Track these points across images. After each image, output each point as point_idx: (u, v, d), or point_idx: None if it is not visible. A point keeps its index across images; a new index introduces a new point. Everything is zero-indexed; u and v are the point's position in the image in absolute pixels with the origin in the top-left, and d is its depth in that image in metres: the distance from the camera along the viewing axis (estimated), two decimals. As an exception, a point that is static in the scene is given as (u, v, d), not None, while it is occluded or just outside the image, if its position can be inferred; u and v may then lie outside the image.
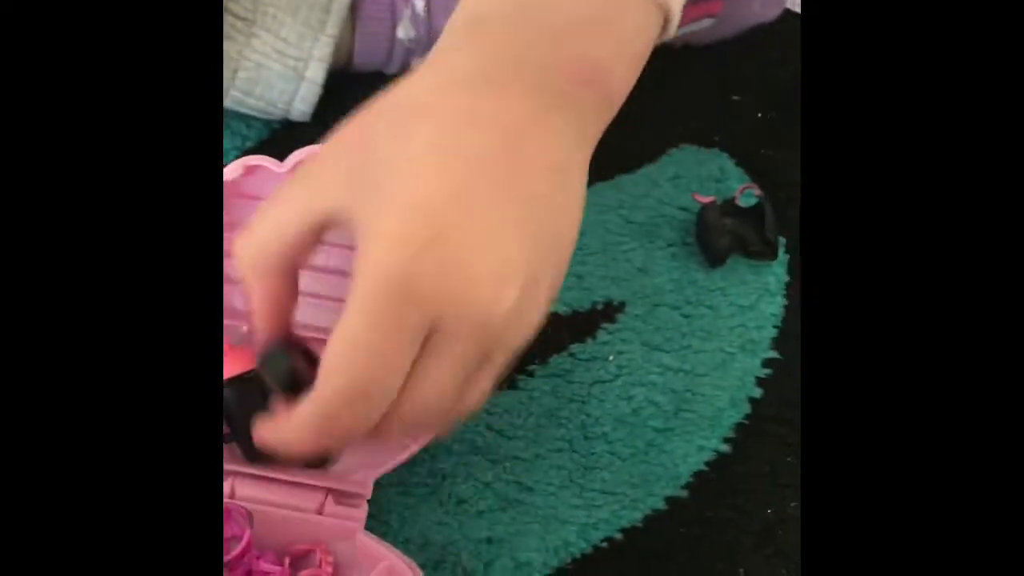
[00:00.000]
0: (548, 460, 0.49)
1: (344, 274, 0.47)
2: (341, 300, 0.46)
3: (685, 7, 0.40)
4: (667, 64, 0.66)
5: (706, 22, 0.64)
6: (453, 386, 0.34)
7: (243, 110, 0.57)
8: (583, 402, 0.51)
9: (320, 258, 0.47)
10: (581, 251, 0.55)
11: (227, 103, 0.57)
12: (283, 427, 0.35)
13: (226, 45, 0.54)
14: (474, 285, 0.32)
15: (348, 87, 0.60)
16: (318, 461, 0.45)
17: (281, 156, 0.44)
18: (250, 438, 0.44)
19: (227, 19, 0.54)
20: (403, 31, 0.59)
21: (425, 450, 0.47)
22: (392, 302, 0.32)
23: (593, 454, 0.50)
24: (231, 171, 0.42)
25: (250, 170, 0.43)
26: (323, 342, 0.47)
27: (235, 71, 0.55)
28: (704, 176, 0.59)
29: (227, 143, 0.57)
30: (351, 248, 0.46)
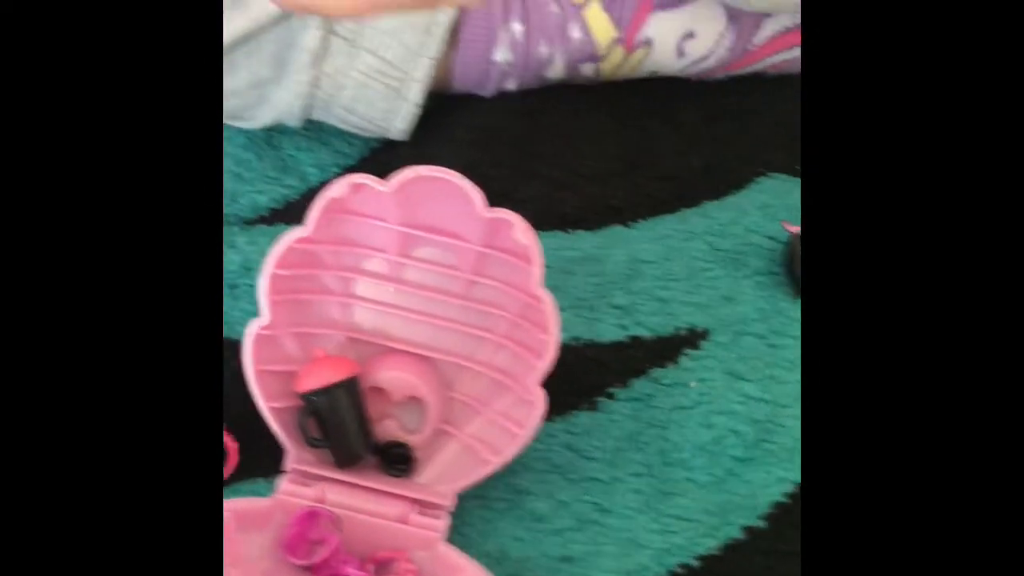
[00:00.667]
0: (626, 483, 0.50)
1: (437, 291, 0.48)
2: (435, 316, 0.48)
3: (771, 40, 0.41)
4: (758, 93, 0.66)
5: (795, 51, 0.64)
6: None
7: (345, 127, 0.59)
8: (663, 427, 0.51)
9: (412, 274, 0.48)
10: (666, 276, 0.56)
11: (331, 120, 0.59)
12: None
13: (331, 64, 0.56)
14: None
15: (445, 107, 0.62)
16: (400, 466, 0.47)
17: (379, 172, 0.46)
18: (341, 444, 0.46)
19: (332, 39, 0.56)
20: (500, 55, 0.60)
21: (506, 466, 0.48)
22: None
23: (672, 480, 0.50)
24: (337, 188, 0.44)
25: (355, 188, 0.44)
26: (416, 357, 0.48)
27: (339, 89, 0.57)
28: (793, 205, 0.59)
29: (328, 159, 0.60)
30: (443, 265, 0.48)
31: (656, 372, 0.53)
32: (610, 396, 0.52)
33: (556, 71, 0.62)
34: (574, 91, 0.63)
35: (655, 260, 0.56)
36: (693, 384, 0.52)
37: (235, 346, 0.47)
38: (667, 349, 0.54)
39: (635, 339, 0.54)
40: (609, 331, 0.54)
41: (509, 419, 0.47)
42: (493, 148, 0.60)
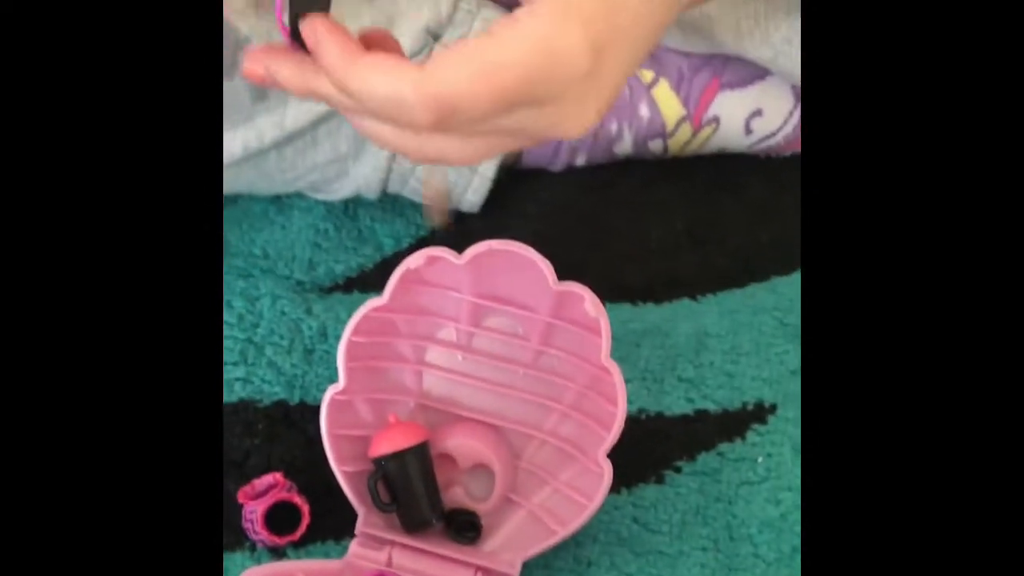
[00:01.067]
0: (692, 557, 0.49)
1: (505, 360, 0.49)
2: (503, 385, 0.49)
3: None
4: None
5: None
6: None
7: (419, 200, 0.62)
8: (730, 502, 0.51)
9: (484, 344, 0.50)
10: (734, 351, 0.56)
11: (405, 192, 0.61)
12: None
13: (408, 140, 0.58)
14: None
15: (514, 181, 0.64)
16: (467, 533, 0.47)
17: (451, 243, 0.47)
18: (410, 509, 0.47)
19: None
20: (571, 131, 0.62)
21: (572, 537, 0.48)
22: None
23: (738, 556, 0.49)
24: (414, 260, 0.46)
25: (432, 260, 0.46)
26: (484, 425, 0.49)
27: (415, 163, 0.59)
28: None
29: (403, 230, 0.62)
30: (513, 336, 0.49)
31: (723, 446, 0.53)
32: (677, 469, 0.52)
33: (624, 147, 0.64)
34: (642, 166, 0.65)
35: (722, 334, 0.56)
36: (760, 459, 0.52)
37: (312, 410, 0.49)
38: (734, 423, 0.54)
39: (702, 412, 0.54)
40: (676, 404, 0.54)
41: (575, 490, 0.48)
42: (562, 221, 0.62)
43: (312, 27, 0.36)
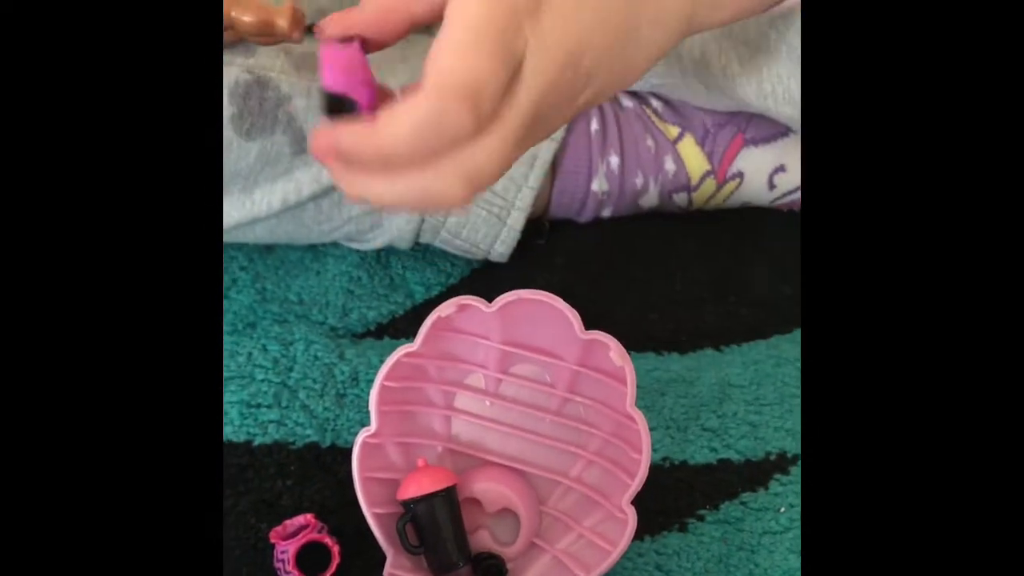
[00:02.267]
0: (714, 606, 0.50)
1: (532, 407, 0.50)
2: (530, 432, 0.50)
3: None
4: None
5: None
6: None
7: (449, 249, 0.63)
8: (752, 551, 0.51)
9: (511, 390, 0.51)
10: (757, 401, 0.57)
11: (436, 242, 0.63)
12: (396, 119, 0.35)
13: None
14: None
15: (541, 232, 0.65)
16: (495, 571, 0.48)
17: (480, 292, 0.49)
18: (437, 552, 0.48)
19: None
20: (598, 184, 0.64)
21: (596, 583, 0.48)
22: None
23: (760, 606, 0.50)
24: (446, 308, 0.48)
25: (462, 308, 0.48)
26: (511, 470, 0.50)
27: (446, 215, 0.61)
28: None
29: (433, 278, 0.63)
30: (540, 383, 0.50)
31: (746, 496, 0.53)
32: (700, 518, 0.53)
33: (650, 200, 0.65)
34: (667, 219, 0.66)
35: (746, 384, 0.57)
36: (782, 509, 0.53)
37: (343, 453, 0.50)
38: (757, 473, 0.54)
39: (725, 462, 0.55)
40: (700, 453, 0.55)
41: (600, 536, 0.48)
42: (589, 272, 0.63)
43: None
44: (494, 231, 0.62)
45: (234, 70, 0.56)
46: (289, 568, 0.48)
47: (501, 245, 0.62)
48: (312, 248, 0.63)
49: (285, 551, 0.49)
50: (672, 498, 0.53)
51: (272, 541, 0.49)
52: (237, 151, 0.56)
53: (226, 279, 0.61)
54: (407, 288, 0.63)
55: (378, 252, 0.64)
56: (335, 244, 0.63)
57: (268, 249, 0.63)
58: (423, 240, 0.62)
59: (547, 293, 0.47)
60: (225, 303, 0.60)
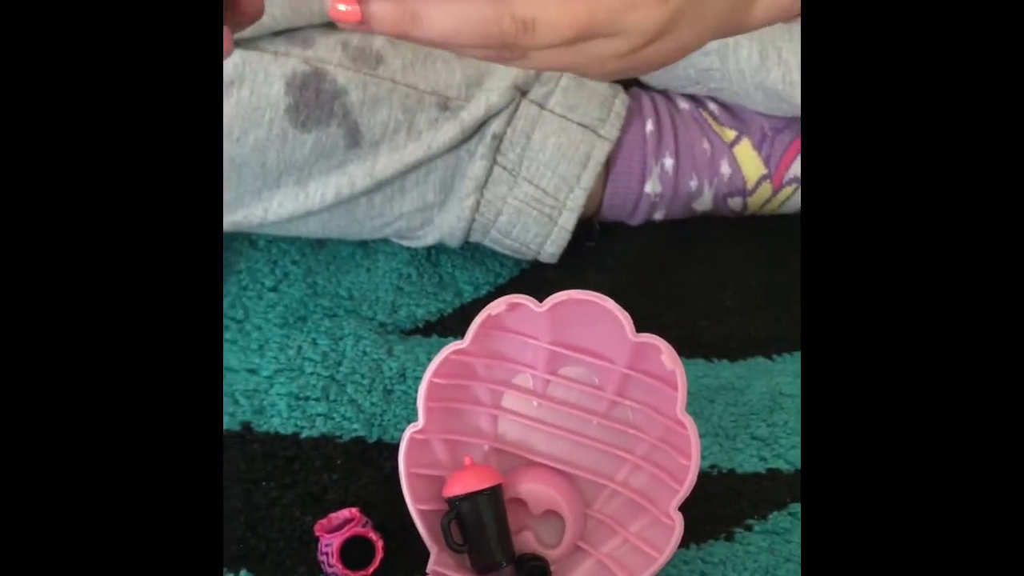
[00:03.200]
0: (760, 618, 0.49)
1: (580, 409, 0.50)
2: (577, 434, 0.50)
3: None
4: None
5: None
6: None
7: (499, 248, 0.63)
8: (800, 563, 0.51)
9: (559, 392, 0.50)
10: (808, 411, 0.56)
11: (486, 242, 0.63)
12: None
13: (491, 191, 0.60)
14: None
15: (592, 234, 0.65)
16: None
17: (528, 292, 0.48)
18: (481, 551, 0.48)
19: (495, 169, 0.60)
20: (651, 186, 0.63)
21: (640, 589, 0.48)
22: None
23: (808, 619, 0.49)
24: (496, 306, 0.47)
25: (512, 307, 0.47)
26: (556, 472, 0.50)
27: (497, 214, 0.61)
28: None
29: (481, 278, 0.63)
30: (588, 385, 0.50)
31: (794, 507, 0.52)
32: (747, 528, 0.52)
33: (704, 204, 0.64)
34: (720, 223, 0.65)
35: (796, 394, 0.56)
36: (833, 522, 0.52)
37: (389, 449, 0.50)
38: (807, 484, 0.53)
39: (774, 472, 0.54)
40: (748, 462, 0.54)
41: (645, 541, 0.48)
42: (639, 274, 0.63)
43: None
44: (545, 231, 0.61)
45: (292, 61, 0.56)
46: (333, 562, 0.49)
47: (551, 245, 0.62)
48: (363, 244, 0.63)
49: (329, 544, 0.49)
50: (719, 506, 0.52)
51: (317, 534, 0.49)
52: (292, 142, 0.57)
53: (278, 273, 0.62)
54: (456, 287, 0.63)
55: (428, 250, 0.64)
56: (386, 241, 0.63)
57: (320, 244, 0.63)
58: (473, 239, 0.62)
59: (598, 294, 0.47)
60: (276, 296, 0.61)
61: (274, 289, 0.61)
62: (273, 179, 0.58)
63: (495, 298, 0.48)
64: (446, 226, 0.61)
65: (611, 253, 0.64)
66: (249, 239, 0.63)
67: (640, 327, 0.47)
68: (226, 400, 0.55)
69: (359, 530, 0.49)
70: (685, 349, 0.57)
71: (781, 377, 0.57)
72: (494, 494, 0.48)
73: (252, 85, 0.56)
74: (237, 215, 0.59)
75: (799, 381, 0.57)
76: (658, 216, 0.65)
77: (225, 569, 0.49)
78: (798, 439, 0.55)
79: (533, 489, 0.49)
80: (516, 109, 0.59)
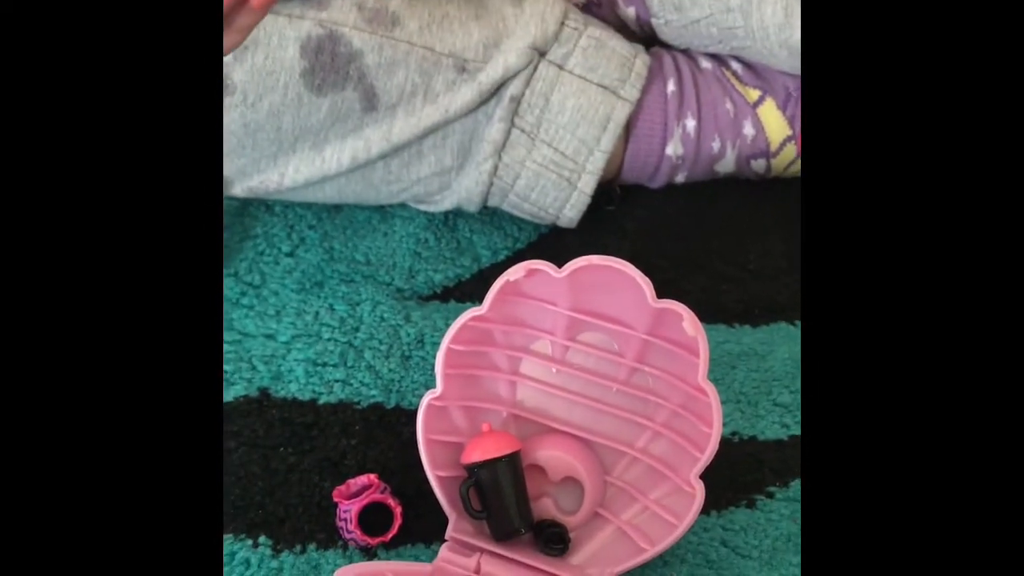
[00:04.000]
0: (781, 586, 0.49)
1: (599, 375, 0.49)
2: (597, 401, 0.49)
3: None
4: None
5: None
6: None
7: (517, 213, 0.62)
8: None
9: (578, 358, 0.50)
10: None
11: (504, 206, 0.62)
12: None
13: (510, 155, 0.59)
14: None
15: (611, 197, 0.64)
16: (555, 546, 0.47)
17: (547, 257, 0.48)
18: (500, 517, 0.48)
19: (513, 132, 0.59)
20: (672, 148, 0.62)
21: (659, 556, 0.48)
22: None
23: (830, 587, 0.48)
24: (514, 272, 0.47)
25: (531, 273, 0.47)
26: (576, 439, 0.50)
27: (516, 178, 0.60)
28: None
29: (499, 243, 0.63)
30: (608, 351, 0.49)
31: (817, 474, 0.52)
32: (769, 495, 0.51)
33: (727, 166, 0.63)
34: (743, 186, 0.64)
35: (820, 359, 0.55)
36: (857, 490, 0.51)
37: (408, 415, 0.50)
38: (830, 451, 0.52)
39: (797, 439, 0.53)
40: (771, 429, 0.53)
41: (665, 509, 0.47)
42: (660, 239, 0.62)
43: None
44: (564, 195, 0.61)
45: (307, 24, 0.55)
46: (351, 528, 0.49)
47: (571, 210, 0.61)
48: (380, 209, 0.63)
49: (348, 510, 0.49)
50: (741, 474, 0.52)
51: (335, 500, 0.49)
52: (308, 106, 0.56)
53: (294, 238, 0.61)
54: (474, 251, 0.62)
55: (445, 214, 0.63)
56: (403, 205, 0.63)
57: (336, 209, 0.63)
58: (491, 203, 0.62)
59: (618, 260, 0.46)
60: (293, 261, 0.60)
61: (291, 254, 0.61)
62: (289, 144, 0.57)
63: (513, 263, 0.47)
64: (464, 190, 0.60)
65: (631, 217, 0.63)
66: (265, 204, 0.62)
67: (661, 292, 0.46)
68: (243, 366, 0.55)
69: (377, 496, 0.49)
70: (706, 315, 0.56)
71: (804, 343, 0.56)
72: (512, 461, 0.48)
73: (267, 49, 0.55)
74: (253, 180, 0.58)
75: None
76: (679, 179, 0.64)
77: (244, 535, 0.49)
78: (821, 406, 0.54)
79: (552, 456, 0.49)
80: (534, 70, 0.58)
